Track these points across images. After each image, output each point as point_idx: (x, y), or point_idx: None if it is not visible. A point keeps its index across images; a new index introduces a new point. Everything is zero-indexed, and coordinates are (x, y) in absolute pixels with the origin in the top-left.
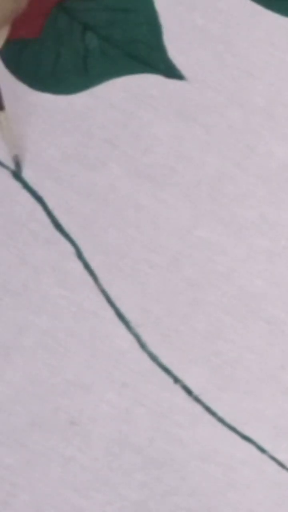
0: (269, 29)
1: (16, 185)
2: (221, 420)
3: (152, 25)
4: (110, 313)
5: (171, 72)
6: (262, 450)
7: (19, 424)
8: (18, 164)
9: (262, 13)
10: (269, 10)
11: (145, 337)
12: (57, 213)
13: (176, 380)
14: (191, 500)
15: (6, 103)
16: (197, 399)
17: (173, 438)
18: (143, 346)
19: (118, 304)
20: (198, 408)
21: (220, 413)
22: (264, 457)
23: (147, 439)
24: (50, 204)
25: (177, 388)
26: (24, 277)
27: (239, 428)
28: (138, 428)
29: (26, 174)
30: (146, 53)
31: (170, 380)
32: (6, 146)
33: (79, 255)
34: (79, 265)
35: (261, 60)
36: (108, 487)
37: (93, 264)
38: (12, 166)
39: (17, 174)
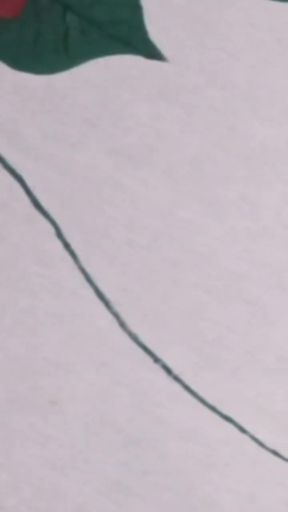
0: (249, 10)
1: None
2: (201, 400)
3: (133, 6)
4: (89, 291)
5: (152, 52)
6: (242, 430)
7: None
8: None
9: None
10: None
11: (124, 316)
12: (36, 192)
13: (156, 359)
14: (171, 479)
15: None
16: (176, 378)
17: (153, 417)
18: (122, 325)
19: (98, 283)
20: (178, 387)
21: (200, 393)
22: (244, 436)
23: (126, 418)
24: (30, 183)
25: (156, 368)
26: (3, 255)
27: (219, 407)
28: (117, 407)
29: (6, 153)
30: (127, 33)
31: (149, 359)
32: None
33: (59, 234)
34: (58, 244)
35: (242, 41)
36: (87, 466)
37: (72, 243)
38: None
39: None
